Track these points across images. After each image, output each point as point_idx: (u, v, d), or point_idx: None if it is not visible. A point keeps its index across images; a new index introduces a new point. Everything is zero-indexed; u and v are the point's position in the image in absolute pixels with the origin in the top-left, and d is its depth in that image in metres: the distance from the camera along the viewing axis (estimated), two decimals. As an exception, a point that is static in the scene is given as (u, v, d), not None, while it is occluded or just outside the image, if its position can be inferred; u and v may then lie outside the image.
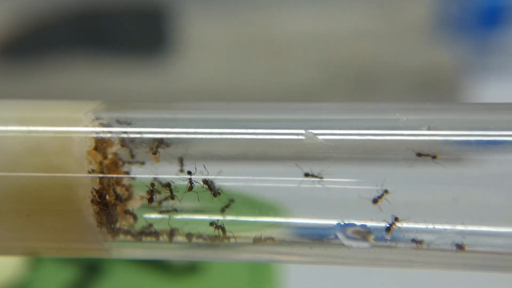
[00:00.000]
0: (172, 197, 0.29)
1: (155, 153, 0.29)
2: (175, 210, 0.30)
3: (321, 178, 0.28)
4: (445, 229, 0.28)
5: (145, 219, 0.30)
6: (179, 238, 0.30)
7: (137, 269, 0.51)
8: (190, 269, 0.51)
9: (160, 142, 0.29)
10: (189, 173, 0.29)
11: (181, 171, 0.29)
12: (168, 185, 0.29)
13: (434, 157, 0.28)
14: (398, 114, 0.29)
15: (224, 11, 0.99)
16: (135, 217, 0.29)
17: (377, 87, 1.00)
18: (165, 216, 0.29)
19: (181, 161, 0.29)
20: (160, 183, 0.29)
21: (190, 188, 0.29)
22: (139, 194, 0.29)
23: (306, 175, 0.28)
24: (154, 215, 0.30)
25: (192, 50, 0.98)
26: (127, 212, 0.29)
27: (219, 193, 0.29)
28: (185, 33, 0.98)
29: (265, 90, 0.97)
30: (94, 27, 0.99)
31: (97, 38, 0.99)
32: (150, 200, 0.29)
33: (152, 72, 0.97)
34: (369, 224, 0.28)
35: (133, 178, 0.30)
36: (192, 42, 0.98)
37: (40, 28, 0.99)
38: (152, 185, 0.29)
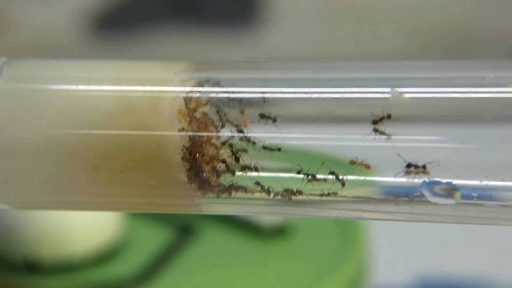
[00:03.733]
0: (237, 159, 0.29)
1: (243, 113, 0.30)
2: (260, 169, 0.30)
3: (389, 135, 0.28)
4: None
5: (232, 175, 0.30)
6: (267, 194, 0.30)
7: (228, 232, 0.52)
8: (279, 231, 0.51)
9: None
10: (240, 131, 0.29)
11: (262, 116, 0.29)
12: (230, 146, 0.29)
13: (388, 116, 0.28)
14: (485, 71, 0.28)
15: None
16: (220, 174, 0.30)
17: (472, 54, 0.98)
18: (244, 173, 0.30)
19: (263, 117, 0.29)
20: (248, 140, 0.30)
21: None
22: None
23: (375, 130, 0.28)
24: (241, 172, 0.30)
25: (280, 19, 0.98)
26: (214, 169, 0.30)
27: (278, 149, 0.29)
28: (274, 3, 0.99)
29: (355, 58, 0.97)
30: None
31: (188, 10, 1.00)
32: (236, 159, 0.30)
33: (241, 43, 0.98)
34: (455, 181, 0.28)
35: (224, 136, 0.30)
36: (281, 11, 0.98)
37: (130, 1, 1.01)
38: (230, 145, 0.30)
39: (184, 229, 0.52)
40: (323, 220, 0.51)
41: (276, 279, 0.50)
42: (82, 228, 0.49)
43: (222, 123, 0.30)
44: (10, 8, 1.01)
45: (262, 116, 0.29)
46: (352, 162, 0.29)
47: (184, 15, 1.00)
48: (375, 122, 0.28)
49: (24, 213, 0.48)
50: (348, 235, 0.51)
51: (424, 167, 0.28)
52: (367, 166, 0.29)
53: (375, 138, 0.28)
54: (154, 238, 0.51)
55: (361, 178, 0.29)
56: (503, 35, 0.95)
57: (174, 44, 0.99)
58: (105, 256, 0.50)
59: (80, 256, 0.49)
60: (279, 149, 0.30)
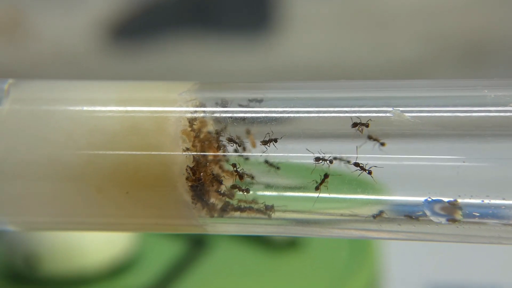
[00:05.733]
0: (241, 176, 0.30)
1: (249, 133, 0.30)
2: (267, 186, 0.30)
3: (383, 142, 0.28)
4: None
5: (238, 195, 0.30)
6: (273, 214, 0.30)
7: (240, 244, 0.52)
8: (291, 244, 0.51)
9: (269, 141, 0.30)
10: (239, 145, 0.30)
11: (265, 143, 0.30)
12: (233, 165, 0.30)
13: (382, 144, 0.28)
14: (486, 91, 0.28)
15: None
16: (228, 195, 0.30)
17: (488, 61, 0.97)
18: (244, 192, 0.30)
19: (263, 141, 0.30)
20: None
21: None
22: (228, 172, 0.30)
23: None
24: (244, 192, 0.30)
25: (295, 26, 0.98)
26: (219, 192, 0.30)
27: (277, 168, 0.30)
28: (289, 10, 0.99)
29: (370, 65, 0.96)
30: (200, 7, 1.01)
31: (203, 18, 1.01)
32: (240, 177, 0.30)
33: (257, 50, 0.98)
34: (458, 200, 0.28)
35: (228, 156, 0.30)
36: (296, 18, 0.98)
37: (148, 9, 1.01)
38: (234, 165, 0.30)
39: (197, 242, 0.52)
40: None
41: (289, 291, 0.50)
42: (95, 241, 0.49)
43: (228, 142, 0.30)
44: (29, 18, 1.02)
45: (265, 142, 0.30)
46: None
47: (200, 23, 1.00)
48: (355, 125, 0.29)
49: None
50: (359, 247, 0.51)
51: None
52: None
53: (361, 143, 0.29)
54: (166, 251, 0.52)
55: (364, 197, 0.29)
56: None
57: (190, 52, 0.99)
58: (118, 269, 0.50)
59: (93, 269, 0.49)
60: (278, 168, 0.30)
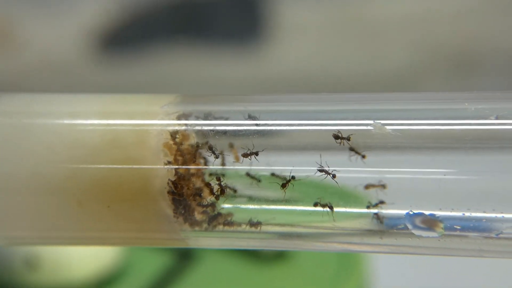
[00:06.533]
0: (222, 191, 0.30)
1: (232, 147, 0.30)
2: (252, 199, 0.30)
3: (363, 155, 0.28)
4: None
5: (220, 208, 0.30)
6: (255, 228, 0.30)
7: (227, 256, 0.52)
8: (278, 256, 0.51)
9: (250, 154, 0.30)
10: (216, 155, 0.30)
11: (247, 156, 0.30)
12: (218, 179, 0.30)
13: (363, 156, 0.28)
14: (466, 104, 0.28)
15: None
16: (210, 207, 0.30)
17: (478, 70, 0.97)
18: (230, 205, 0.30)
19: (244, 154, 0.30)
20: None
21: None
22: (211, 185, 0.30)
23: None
24: (228, 205, 0.30)
25: (286, 36, 0.98)
26: (200, 205, 0.30)
27: (259, 180, 0.30)
28: (279, 19, 0.99)
29: (361, 75, 0.97)
30: (190, 17, 1.01)
31: (194, 27, 1.01)
32: (222, 191, 0.30)
33: (247, 59, 0.98)
34: (438, 213, 0.28)
35: (210, 169, 0.30)
36: (286, 28, 0.98)
37: (138, 19, 1.01)
38: (218, 178, 0.30)
39: (183, 255, 0.52)
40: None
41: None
42: (81, 254, 0.49)
43: (210, 156, 0.30)
44: (18, 27, 1.01)
45: (245, 155, 0.30)
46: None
47: (190, 32, 1.00)
48: (336, 137, 0.29)
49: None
50: (347, 259, 0.50)
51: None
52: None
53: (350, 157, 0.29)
54: (153, 263, 0.51)
55: (346, 210, 0.29)
56: (509, 49, 0.95)
57: (180, 62, 0.99)
58: (104, 281, 0.50)
59: (79, 282, 0.49)
60: (259, 181, 0.30)
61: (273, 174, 0.30)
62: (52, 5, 1.00)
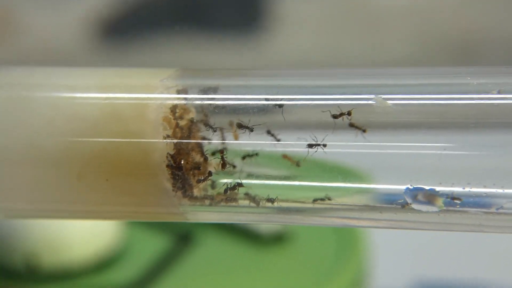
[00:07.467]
0: (224, 165, 0.29)
1: (232, 125, 0.30)
2: (250, 175, 0.30)
3: (364, 129, 0.28)
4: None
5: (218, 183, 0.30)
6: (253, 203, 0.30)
7: (227, 239, 0.52)
8: (278, 239, 0.51)
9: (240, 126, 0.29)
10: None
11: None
12: (221, 152, 0.29)
13: (363, 130, 0.28)
14: (469, 78, 0.28)
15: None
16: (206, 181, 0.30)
17: (481, 61, 0.97)
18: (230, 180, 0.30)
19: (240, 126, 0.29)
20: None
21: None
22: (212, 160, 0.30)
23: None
24: (228, 180, 0.30)
25: (285, 26, 0.98)
26: (199, 181, 0.30)
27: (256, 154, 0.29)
28: (279, 10, 0.99)
29: (361, 65, 0.96)
30: (190, 6, 1.01)
31: (194, 17, 1.00)
32: (223, 165, 0.30)
33: (247, 49, 0.98)
34: (438, 188, 0.28)
35: (209, 144, 0.30)
36: (286, 18, 0.98)
37: (138, 7, 1.01)
38: (221, 151, 0.30)
39: (183, 236, 0.52)
40: (321, 226, 0.51)
41: (275, 286, 0.49)
42: (80, 235, 0.49)
43: (209, 130, 0.30)
44: (18, 14, 1.01)
45: (240, 126, 0.29)
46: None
47: (190, 22, 1.00)
48: (335, 117, 0.28)
49: (23, 221, 0.48)
50: (346, 241, 0.50)
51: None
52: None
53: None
54: (152, 245, 0.51)
55: (345, 185, 0.29)
56: (510, 40, 0.95)
57: (180, 51, 0.99)
58: (104, 263, 0.50)
59: (79, 263, 0.49)
60: (256, 154, 0.30)
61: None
62: (53, -7, 1.00)
